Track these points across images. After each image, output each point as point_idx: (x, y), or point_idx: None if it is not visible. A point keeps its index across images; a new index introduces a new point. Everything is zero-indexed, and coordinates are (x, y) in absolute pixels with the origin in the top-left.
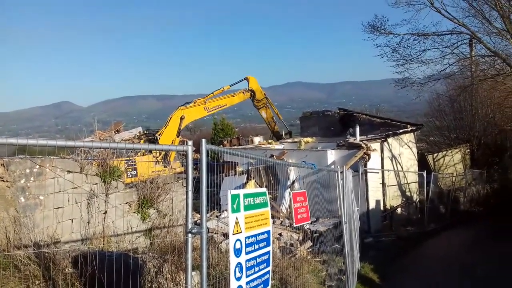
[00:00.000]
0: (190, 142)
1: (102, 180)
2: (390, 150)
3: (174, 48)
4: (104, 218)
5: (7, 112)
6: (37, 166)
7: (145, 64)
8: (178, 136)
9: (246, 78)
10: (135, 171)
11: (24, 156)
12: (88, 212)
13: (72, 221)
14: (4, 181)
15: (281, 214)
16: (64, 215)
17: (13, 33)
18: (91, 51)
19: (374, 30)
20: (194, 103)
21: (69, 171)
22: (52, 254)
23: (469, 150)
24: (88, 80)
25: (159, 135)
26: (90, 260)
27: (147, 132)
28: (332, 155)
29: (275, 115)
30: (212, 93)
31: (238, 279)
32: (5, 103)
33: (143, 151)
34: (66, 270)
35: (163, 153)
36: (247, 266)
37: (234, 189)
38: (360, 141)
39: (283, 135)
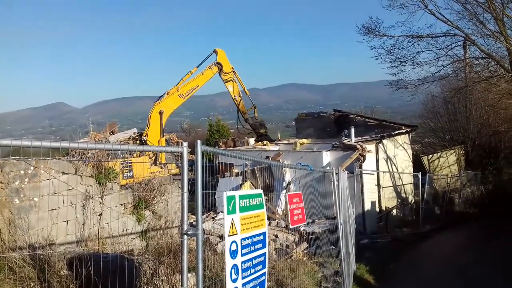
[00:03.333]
0: (185, 144)
1: (97, 182)
2: (385, 152)
3: (169, 49)
4: (99, 219)
5: (0, 114)
6: (32, 168)
7: (140, 65)
8: (162, 135)
9: (214, 51)
10: (131, 173)
11: (18, 157)
12: (83, 214)
13: (67, 223)
14: None
15: (276, 216)
16: (59, 216)
17: (5, 34)
18: (86, 52)
19: (368, 32)
20: (168, 94)
21: (64, 173)
22: (47, 256)
23: (463, 152)
24: (84, 81)
25: (145, 136)
26: (86, 262)
27: (141, 133)
28: (327, 157)
29: (242, 92)
30: (182, 79)
31: (234, 280)
32: None
33: (138, 152)
34: (61, 272)
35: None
36: (243, 267)
37: (230, 190)
38: (355, 142)
39: (254, 123)
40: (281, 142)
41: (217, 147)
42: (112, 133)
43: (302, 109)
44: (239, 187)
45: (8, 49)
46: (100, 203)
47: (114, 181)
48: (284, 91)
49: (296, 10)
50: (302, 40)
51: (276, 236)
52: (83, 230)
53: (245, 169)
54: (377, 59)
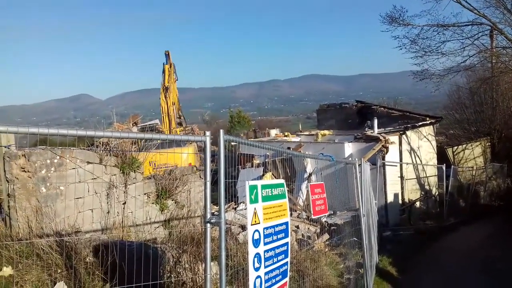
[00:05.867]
0: (208, 133)
1: (121, 171)
2: (409, 143)
3: (189, 41)
4: (123, 208)
5: (26, 105)
6: (58, 157)
7: (161, 57)
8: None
9: (167, 53)
10: None
11: (44, 147)
12: (107, 203)
13: (92, 211)
14: (25, 172)
15: (298, 207)
16: (84, 205)
17: (31, 26)
18: (109, 43)
19: (392, 22)
20: (168, 89)
21: (88, 162)
22: (73, 243)
23: (489, 144)
24: (107, 73)
25: (173, 129)
26: (111, 249)
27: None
28: (349, 148)
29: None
30: (164, 76)
31: (257, 269)
32: (25, 96)
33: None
34: (87, 259)
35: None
36: (265, 256)
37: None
38: (378, 133)
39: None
40: (302, 133)
41: None
42: (135, 124)
43: (323, 100)
44: (260, 178)
45: (35, 42)
46: (124, 192)
47: (138, 170)
48: (305, 82)
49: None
50: (323, 31)
51: (297, 227)
52: (108, 218)
53: (266, 160)
54: (401, 49)
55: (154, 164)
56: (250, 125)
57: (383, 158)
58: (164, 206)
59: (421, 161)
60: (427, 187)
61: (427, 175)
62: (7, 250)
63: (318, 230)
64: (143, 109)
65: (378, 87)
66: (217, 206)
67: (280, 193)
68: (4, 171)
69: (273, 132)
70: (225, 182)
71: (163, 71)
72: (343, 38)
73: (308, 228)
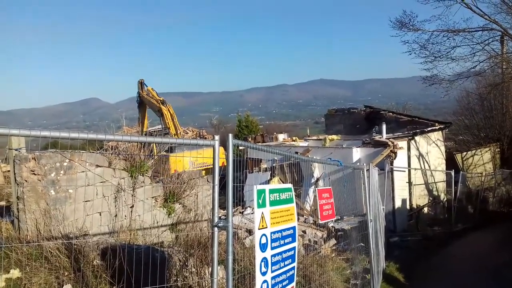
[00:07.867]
0: (217, 137)
1: (129, 175)
2: (418, 149)
3: (198, 45)
4: (131, 212)
5: (36, 108)
6: (67, 160)
7: (170, 61)
8: None
9: (142, 81)
10: None
11: (54, 150)
12: (115, 206)
13: (100, 214)
14: (35, 174)
15: (305, 212)
16: (92, 208)
17: (41, 29)
18: (119, 47)
19: (402, 27)
20: (165, 102)
21: (97, 166)
22: (81, 246)
23: (499, 150)
24: (116, 77)
25: (180, 132)
26: (118, 252)
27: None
28: (357, 153)
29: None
30: (151, 94)
31: (264, 274)
32: (35, 99)
33: None
34: (94, 262)
35: None
36: (272, 261)
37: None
38: (386, 139)
39: None
40: (310, 138)
41: None
42: None
43: (331, 105)
44: (267, 182)
45: (45, 46)
46: (132, 195)
47: (146, 174)
48: (313, 87)
49: (325, 3)
50: (331, 34)
51: (304, 232)
52: (115, 221)
53: (274, 164)
54: (410, 54)
55: (193, 163)
56: (258, 129)
57: (391, 164)
58: (172, 209)
59: (429, 166)
60: (435, 192)
61: (436, 181)
62: (15, 252)
63: (325, 235)
64: (152, 113)
65: (386, 92)
66: (224, 210)
67: (287, 197)
68: (14, 173)
69: (281, 136)
70: (233, 186)
71: (146, 95)
72: (351, 43)
73: (315, 233)
